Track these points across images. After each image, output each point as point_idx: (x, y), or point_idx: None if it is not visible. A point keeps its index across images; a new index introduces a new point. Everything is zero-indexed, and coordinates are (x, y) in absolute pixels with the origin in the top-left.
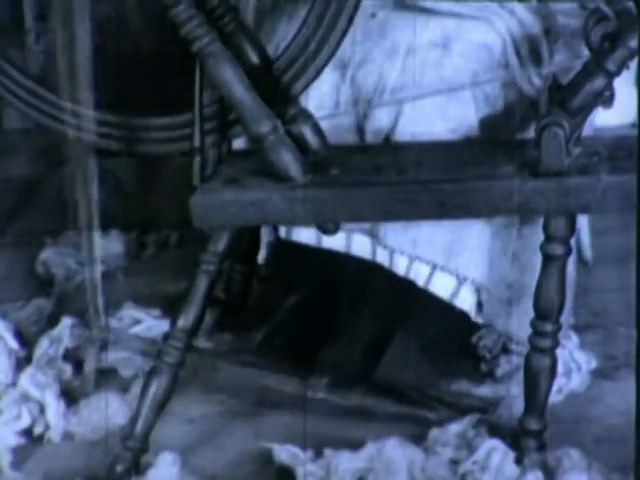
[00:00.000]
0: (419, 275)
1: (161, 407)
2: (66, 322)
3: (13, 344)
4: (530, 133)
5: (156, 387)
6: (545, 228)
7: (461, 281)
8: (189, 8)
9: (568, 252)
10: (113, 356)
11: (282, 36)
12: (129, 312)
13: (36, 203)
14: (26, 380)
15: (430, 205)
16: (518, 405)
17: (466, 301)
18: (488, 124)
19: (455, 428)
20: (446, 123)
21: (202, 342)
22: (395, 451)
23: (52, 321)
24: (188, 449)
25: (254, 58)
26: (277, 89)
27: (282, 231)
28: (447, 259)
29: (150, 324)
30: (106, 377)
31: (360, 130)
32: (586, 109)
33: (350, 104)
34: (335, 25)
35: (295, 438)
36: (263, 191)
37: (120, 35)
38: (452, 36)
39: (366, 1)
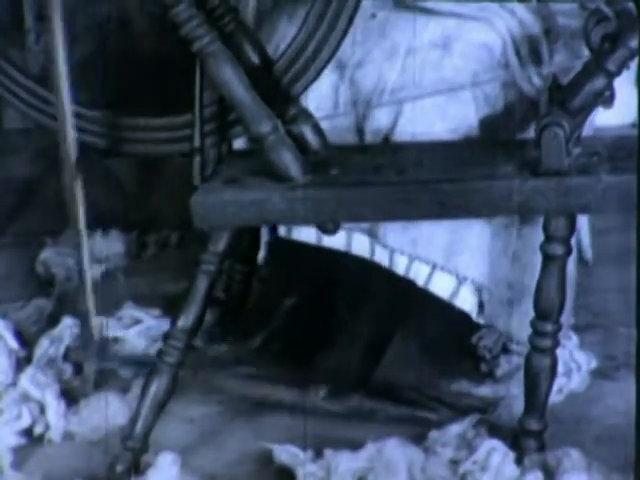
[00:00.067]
0: (419, 275)
1: (161, 407)
2: (66, 322)
3: (13, 344)
4: (530, 133)
5: (156, 387)
6: (545, 228)
7: (461, 281)
8: (189, 8)
9: (568, 252)
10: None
11: (282, 36)
12: (129, 312)
13: (36, 203)
14: (26, 380)
15: (430, 205)
16: (518, 405)
17: (466, 301)
18: (488, 124)
19: (455, 428)
20: (446, 123)
21: (200, 344)
22: (395, 451)
23: (52, 321)
24: (188, 449)
25: (254, 58)
26: (277, 89)
27: (282, 230)
28: (447, 259)
29: (150, 324)
30: (106, 377)
31: (360, 130)
32: (586, 109)
33: (349, 105)
34: (335, 25)
35: (295, 438)
36: (263, 191)
37: (120, 35)
38: (452, 36)
39: (366, 1)
